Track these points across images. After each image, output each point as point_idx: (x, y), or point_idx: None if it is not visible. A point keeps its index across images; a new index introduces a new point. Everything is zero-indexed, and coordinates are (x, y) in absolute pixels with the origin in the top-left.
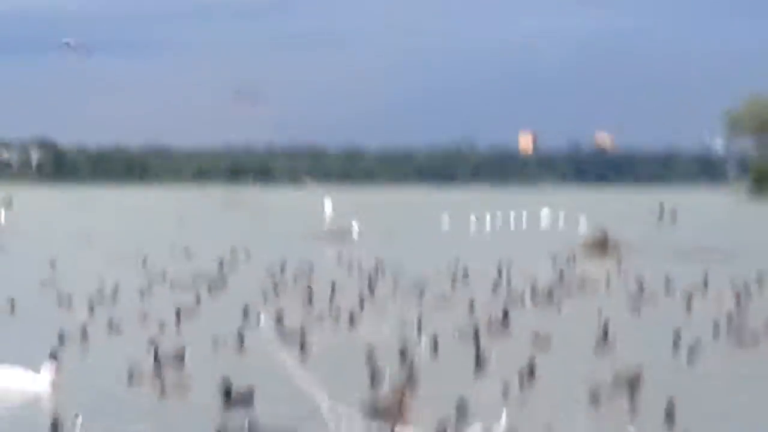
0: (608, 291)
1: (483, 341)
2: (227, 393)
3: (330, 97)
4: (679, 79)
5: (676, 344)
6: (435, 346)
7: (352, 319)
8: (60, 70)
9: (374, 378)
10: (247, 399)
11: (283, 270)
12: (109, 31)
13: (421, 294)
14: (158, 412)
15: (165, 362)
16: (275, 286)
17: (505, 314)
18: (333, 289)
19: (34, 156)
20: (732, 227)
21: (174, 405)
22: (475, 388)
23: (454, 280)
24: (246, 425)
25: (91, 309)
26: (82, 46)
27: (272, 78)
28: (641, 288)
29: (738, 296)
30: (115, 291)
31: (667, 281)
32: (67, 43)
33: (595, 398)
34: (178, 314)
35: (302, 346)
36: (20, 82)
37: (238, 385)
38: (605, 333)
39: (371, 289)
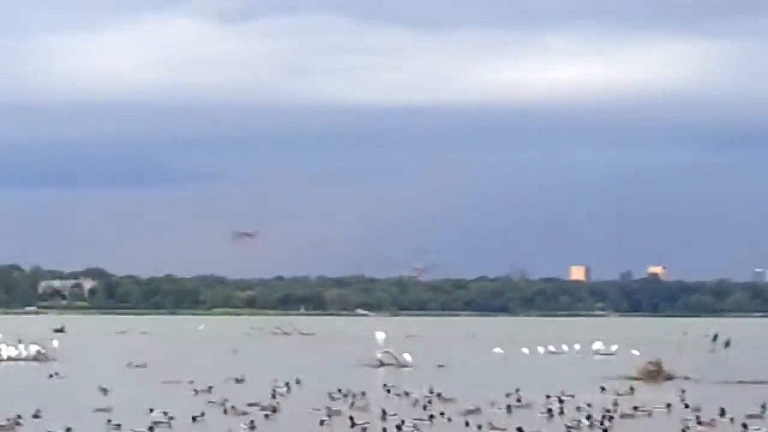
0: (663, 418)
1: None
2: None
3: (380, 229)
4: (730, 210)
5: None
6: None
7: None
8: (113, 202)
9: None
10: None
11: (335, 397)
12: (155, 161)
13: (475, 422)
14: None
15: None
16: (328, 413)
17: None
18: (384, 417)
19: (86, 285)
20: None
21: None
22: None
23: (508, 408)
24: None
25: None
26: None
27: (321, 209)
28: (696, 415)
29: None
30: (169, 417)
31: (722, 408)
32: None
33: None
34: None
35: None
36: (73, 214)
37: None
38: None
39: (424, 416)
